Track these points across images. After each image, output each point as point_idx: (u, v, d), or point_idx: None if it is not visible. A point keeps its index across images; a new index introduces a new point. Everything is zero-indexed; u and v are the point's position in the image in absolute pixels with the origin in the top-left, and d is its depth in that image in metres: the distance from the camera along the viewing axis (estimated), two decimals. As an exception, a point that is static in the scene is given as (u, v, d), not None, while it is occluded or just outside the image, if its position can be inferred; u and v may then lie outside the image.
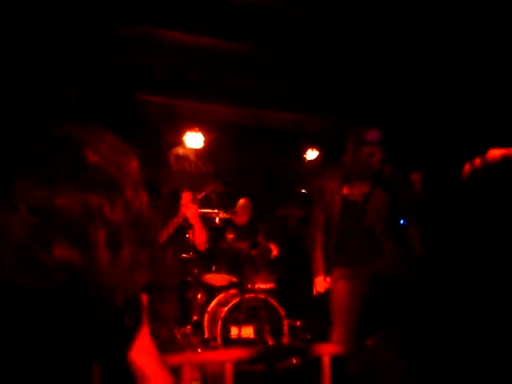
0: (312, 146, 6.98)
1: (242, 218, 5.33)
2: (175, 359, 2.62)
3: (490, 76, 4.57)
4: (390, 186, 3.31)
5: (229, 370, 2.83)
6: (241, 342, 4.07)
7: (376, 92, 5.54)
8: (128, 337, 0.57)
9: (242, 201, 5.54)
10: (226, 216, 5.13)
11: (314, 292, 3.40)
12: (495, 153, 0.59)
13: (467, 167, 0.63)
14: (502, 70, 4.38)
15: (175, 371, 2.58)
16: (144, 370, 0.74)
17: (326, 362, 3.06)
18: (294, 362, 3.81)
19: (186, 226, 3.63)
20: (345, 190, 3.30)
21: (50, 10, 4.08)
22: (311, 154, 7.00)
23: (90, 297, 0.50)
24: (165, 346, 3.03)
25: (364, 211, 3.27)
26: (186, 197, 3.68)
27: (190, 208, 3.59)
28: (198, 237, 3.60)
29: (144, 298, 0.60)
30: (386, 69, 5.23)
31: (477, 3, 4.03)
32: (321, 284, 3.32)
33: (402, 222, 5.05)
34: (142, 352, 0.74)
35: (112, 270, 0.51)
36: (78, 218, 0.49)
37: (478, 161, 0.61)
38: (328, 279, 3.30)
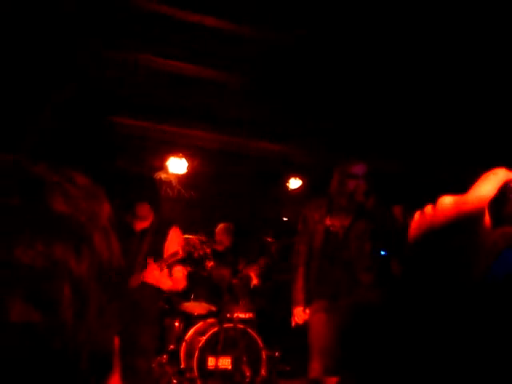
0: (295, 175, 7.00)
1: (222, 244, 5.30)
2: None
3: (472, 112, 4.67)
4: (372, 218, 3.34)
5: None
6: (218, 373, 3.99)
7: (362, 125, 5.61)
8: None
9: (221, 225, 5.52)
10: (208, 243, 5.09)
11: (293, 323, 3.38)
12: (446, 201, 0.55)
13: (416, 218, 0.60)
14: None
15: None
16: None
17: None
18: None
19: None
20: (327, 221, 3.32)
21: (21, 30, 4.06)
22: (294, 183, 7.02)
23: (51, 360, 0.45)
24: (141, 378, 2.96)
25: (345, 243, 3.29)
26: (174, 232, 3.58)
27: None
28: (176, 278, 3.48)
29: (116, 341, 0.56)
30: (371, 104, 5.31)
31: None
32: (299, 315, 3.31)
33: (383, 253, 5.07)
34: None
35: (77, 330, 0.46)
36: (39, 273, 0.44)
37: (428, 209, 0.58)
38: (307, 311, 3.29)
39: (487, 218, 0.52)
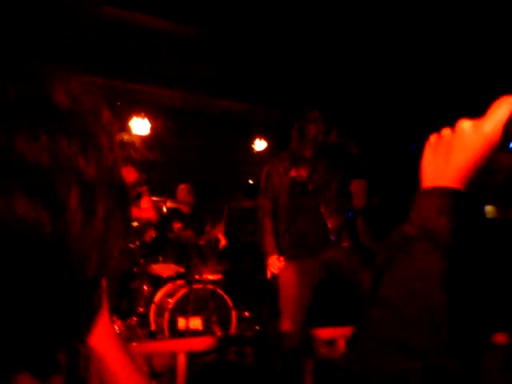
0: (260, 136, 6.94)
1: (185, 204, 5.22)
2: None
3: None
4: (336, 151, 3.39)
5: (182, 361, 2.75)
6: (188, 333, 3.98)
7: (321, 83, 5.56)
8: (91, 317, 0.48)
9: (181, 186, 5.43)
10: (173, 205, 5.01)
11: (268, 275, 3.37)
12: (466, 125, 0.58)
13: (432, 141, 0.62)
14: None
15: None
16: (105, 358, 0.66)
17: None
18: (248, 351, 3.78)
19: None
20: (292, 173, 3.33)
21: None
22: (259, 145, 6.96)
23: (57, 265, 0.41)
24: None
25: (311, 190, 3.33)
26: (145, 200, 3.50)
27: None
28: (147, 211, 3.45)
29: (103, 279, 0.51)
30: (329, 60, 5.26)
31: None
32: (274, 264, 3.30)
33: (349, 214, 5.12)
34: (104, 337, 0.65)
35: (85, 236, 0.42)
36: (44, 168, 0.39)
37: (446, 132, 0.60)
38: (282, 258, 3.28)
39: (501, 141, 0.56)
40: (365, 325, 0.54)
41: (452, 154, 0.58)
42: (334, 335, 2.98)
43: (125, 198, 0.49)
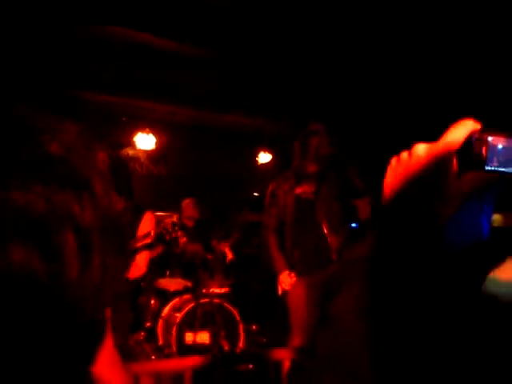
0: (265, 149, 6.97)
1: (190, 219, 5.25)
2: (133, 369, 2.53)
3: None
4: (339, 167, 3.39)
5: (188, 378, 2.76)
6: (196, 348, 3.98)
7: (327, 98, 5.60)
8: (92, 350, 0.49)
9: (187, 200, 5.45)
10: (172, 220, 5.04)
11: (279, 291, 3.35)
12: (420, 147, 0.60)
13: (392, 163, 0.64)
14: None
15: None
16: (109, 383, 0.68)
17: (287, 366, 3.03)
18: (252, 367, 3.77)
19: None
20: (297, 190, 3.33)
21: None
22: (264, 157, 6.99)
23: (55, 309, 0.42)
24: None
25: (315, 207, 3.32)
26: (148, 217, 3.50)
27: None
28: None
29: (107, 311, 0.52)
30: (338, 76, 5.30)
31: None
32: (286, 280, 3.28)
33: (354, 225, 5.12)
34: (107, 364, 0.67)
35: (82, 283, 0.43)
36: (40, 217, 0.40)
37: (404, 155, 0.62)
38: (293, 274, 3.27)
39: (454, 164, 0.57)
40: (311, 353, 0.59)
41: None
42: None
43: (123, 240, 0.49)
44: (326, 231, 3.33)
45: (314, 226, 3.33)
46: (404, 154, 0.61)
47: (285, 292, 3.30)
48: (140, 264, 3.34)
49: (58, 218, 0.41)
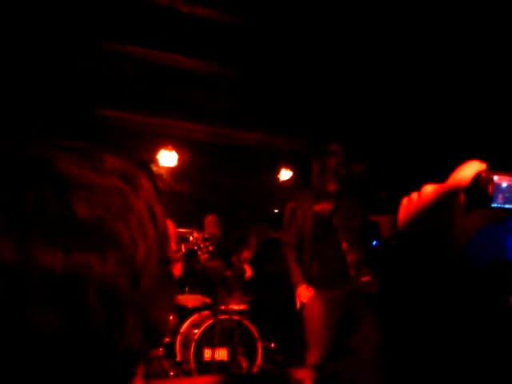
0: (286, 166, 6.99)
1: (212, 235, 5.28)
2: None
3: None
4: (357, 184, 3.44)
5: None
6: (214, 364, 3.99)
7: (346, 116, 5.62)
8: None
9: (210, 217, 5.51)
10: (200, 235, 5.07)
11: (298, 304, 3.40)
12: (428, 188, 0.64)
13: (403, 203, 0.67)
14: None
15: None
16: None
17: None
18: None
19: None
20: (316, 207, 3.37)
21: (15, 26, 4.00)
22: (285, 174, 7.01)
23: (81, 362, 0.44)
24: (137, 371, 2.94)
25: (334, 224, 3.36)
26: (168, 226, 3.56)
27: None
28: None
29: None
30: (358, 94, 5.31)
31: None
32: (304, 293, 3.33)
33: (375, 243, 5.08)
34: None
35: (111, 332, 0.44)
36: (59, 278, 0.42)
37: (414, 195, 0.65)
38: (310, 288, 3.31)
39: (462, 203, 0.60)
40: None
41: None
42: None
43: (155, 293, 0.48)
44: (344, 247, 3.36)
45: (332, 243, 3.37)
46: (414, 195, 0.64)
47: (303, 305, 3.33)
48: (175, 274, 3.42)
49: (77, 277, 0.41)
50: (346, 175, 3.40)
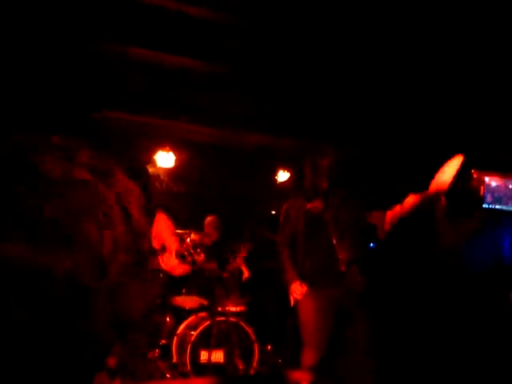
0: (283, 168, 6.98)
1: (210, 237, 5.28)
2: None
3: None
4: (352, 184, 3.49)
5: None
6: (210, 366, 3.98)
7: (345, 118, 5.61)
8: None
9: (209, 218, 5.51)
10: (197, 237, 5.06)
11: (291, 302, 3.41)
12: (411, 197, 0.65)
13: (388, 214, 0.69)
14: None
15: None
16: None
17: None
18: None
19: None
20: (308, 205, 3.40)
21: (17, 23, 3.99)
22: (282, 176, 7.00)
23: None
24: (134, 373, 2.94)
25: (324, 220, 3.39)
26: (160, 217, 3.58)
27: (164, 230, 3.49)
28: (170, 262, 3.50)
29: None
30: (355, 95, 5.31)
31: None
32: (297, 289, 3.36)
33: (371, 245, 5.09)
34: None
35: (76, 322, 0.48)
36: (26, 272, 0.45)
37: (397, 208, 0.67)
38: (304, 284, 3.33)
39: (443, 206, 0.58)
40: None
41: None
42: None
43: (136, 277, 0.52)
44: (335, 243, 3.38)
45: (323, 240, 3.40)
46: (397, 207, 0.66)
47: (296, 302, 3.35)
48: (181, 268, 3.45)
49: (45, 273, 0.43)
50: (338, 175, 3.44)
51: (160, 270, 3.38)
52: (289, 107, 5.78)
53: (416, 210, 0.64)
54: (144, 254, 0.53)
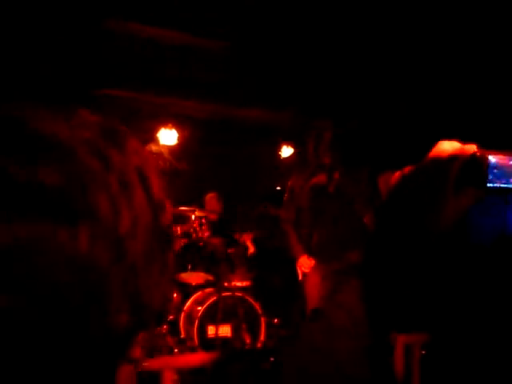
0: (287, 143, 6.96)
1: (213, 212, 5.29)
2: (154, 364, 2.58)
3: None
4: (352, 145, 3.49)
5: (209, 373, 2.81)
6: (218, 341, 4.02)
7: (352, 92, 5.56)
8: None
9: (210, 194, 5.53)
10: (201, 213, 5.07)
11: (299, 276, 3.43)
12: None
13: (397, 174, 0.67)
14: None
15: (156, 375, 2.53)
16: None
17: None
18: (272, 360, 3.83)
19: None
20: (313, 180, 3.39)
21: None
22: (286, 151, 6.98)
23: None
24: (142, 347, 2.97)
25: (332, 195, 3.38)
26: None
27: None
28: None
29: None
30: (355, 70, 5.26)
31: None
32: (305, 263, 3.38)
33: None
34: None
35: (89, 316, 0.41)
36: (20, 257, 0.38)
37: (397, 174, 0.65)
38: (311, 258, 3.35)
39: (452, 174, 0.59)
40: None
41: None
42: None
43: (158, 260, 0.44)
44: (341, 217, 3.38)
45: (329, 214, 3.39)
46: (397, 173, 0.64)
47: (305, 275, 3.36)
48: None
49: (43, 256, 0.37)
50: (340, 145, 3.42)
51: None
52: (289, 82, 5.73)
53: (419, 178, 0.61)
54: (166, 231, 0.45)
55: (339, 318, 3.03)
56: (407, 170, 0.65)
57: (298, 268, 3.43)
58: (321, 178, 3.42)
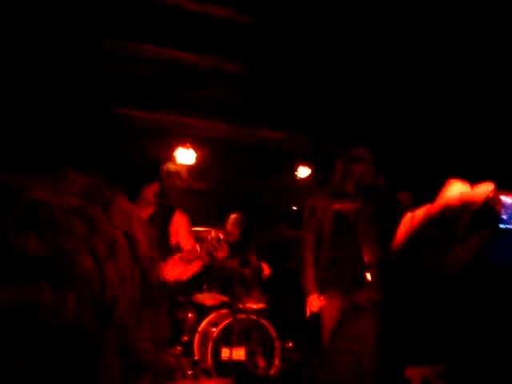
0: (304, 164, 6.95)
1: (232, 234, 5.28)
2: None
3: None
4: (381, 199, 3.37)
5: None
6: (232, 363, 3.99)
7: (365, 113, 5.56)
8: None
9: (233, 216, 5.51)
10: (219, 234, 5.06)
11: (307, 312, 3.37)
12: (419, 211, 0.62)
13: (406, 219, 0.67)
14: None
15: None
16: None
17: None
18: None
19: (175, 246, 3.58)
20: (336, 206, 3.33)
21: (27, 21, 4.03)
22: (303, 172, 6.97)
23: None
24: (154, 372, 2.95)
25: (354, 225, 3.31)
26: (179, 217, 3.60)
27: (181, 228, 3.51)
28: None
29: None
30: (376, 91, 5.26)
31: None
32: (315, 303, 3.31)
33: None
34: None
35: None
36: (7, 324, 0.39)
37: (408, 216, 0.65)
38: (322, 297, 3.28)
39: (466, 222, 0.58)
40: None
41: None
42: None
43: (147, 312, 0.46)
44: (362, 248, 3.31)
45: (351, 243, 3.32)
46: (408, 215, 0.64)
47: (312, 314, 3.31)
48: (192, 270, 3.46)
49: (29, 323, 0.38)
50: (369, 187, 3.33)
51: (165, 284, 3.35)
52: (311, 104, 5.75)
53: (429, 223, 0.61)
54: (155, 287, 0.47)
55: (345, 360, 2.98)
56: (418, 212, 0.65)
57: (307, 306, 3.38)
58: (345, 205, 3.35)
